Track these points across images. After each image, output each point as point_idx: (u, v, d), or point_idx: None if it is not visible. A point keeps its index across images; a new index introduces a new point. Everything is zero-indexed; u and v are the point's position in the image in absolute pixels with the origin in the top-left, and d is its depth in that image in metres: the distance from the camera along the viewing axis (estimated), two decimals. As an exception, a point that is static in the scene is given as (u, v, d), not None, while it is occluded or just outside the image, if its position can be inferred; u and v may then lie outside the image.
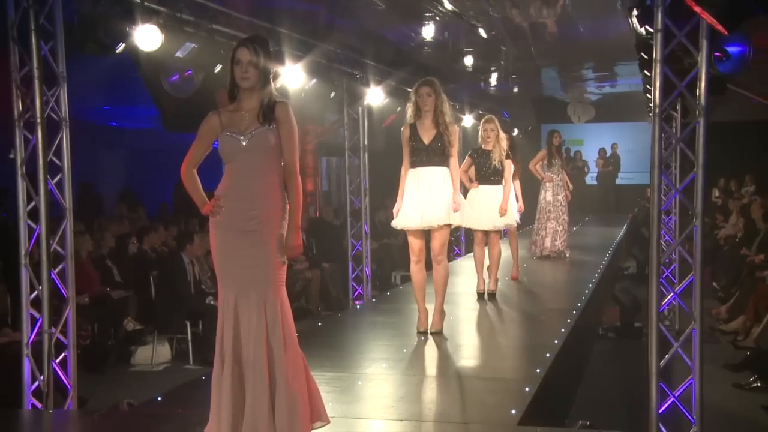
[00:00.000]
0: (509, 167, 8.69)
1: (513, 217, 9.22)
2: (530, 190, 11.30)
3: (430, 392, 5.36)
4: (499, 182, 8.60)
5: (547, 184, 11.63)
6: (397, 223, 6.72)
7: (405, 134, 6.72)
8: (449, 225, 6.65)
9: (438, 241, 6.67)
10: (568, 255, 11.90)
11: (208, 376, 4.25)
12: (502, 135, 8.56)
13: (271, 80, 4.18)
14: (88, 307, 8.50)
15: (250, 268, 4.06)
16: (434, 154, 6.61)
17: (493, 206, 8.50)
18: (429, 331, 6.82)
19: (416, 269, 6.80)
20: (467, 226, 8.43)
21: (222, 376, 4.07)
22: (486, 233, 8.65)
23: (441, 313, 6.88)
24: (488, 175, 8.52)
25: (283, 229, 4.12)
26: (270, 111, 4.10)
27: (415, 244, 6.73)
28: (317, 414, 4.19)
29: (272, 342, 4.04)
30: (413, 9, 9.69)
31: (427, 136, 6.62)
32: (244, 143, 4.09)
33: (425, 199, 6.56)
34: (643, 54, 6.19)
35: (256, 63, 4.07)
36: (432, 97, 6.59)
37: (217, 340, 4.13)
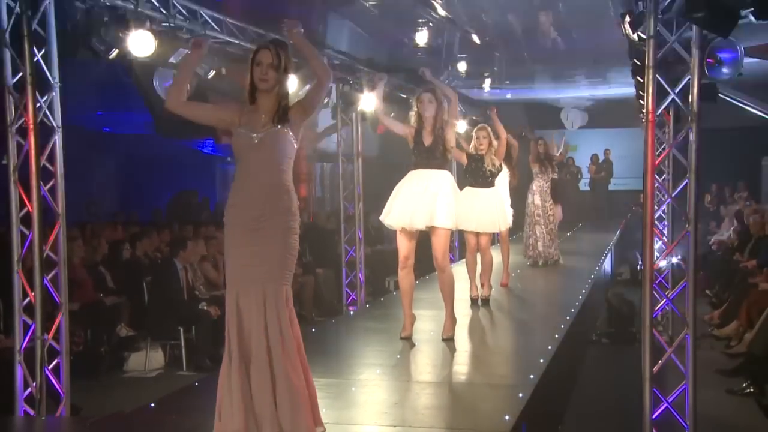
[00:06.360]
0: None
1: (506, 222, 9.24)
2: (519, 195, 11.31)
3: (424, 398, 5.35)
4: (492, 184, 8.67)
5: (535, 188, 11.64)
6: (390, 222, 6.71)
7: (410, 134, 6.77)
8: (448, 229, 6.64)
9: (439, 249, 6.62)
10: (561, 261, 11.90)
11: (202, 382, 4.26)
12: (495, 142, 8.60)
13: (287, 83, 4.24)
14: (80, 313, 8.47)
15: (253, 265, 4.10)
16: (433, 157, 6.64)
17: (483, 209, 8.51)
18: (442, 338, 6.80)
19: (402, 275, 6.79)
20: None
21: (230, 372, 4.11)
22: (477, 239, 8.64)
23: (452, 320, 6.87)
24: (486, 177, 8.57)
25: (291, 229, 4.17)
26: (285, 113, 4.16)
27: (403, 247, 6.68)
28: (317, 418, 4.22)
29: (271, 338, 4.07)
30: (407, 15, 9.71)
31: (428, 139, 6.67)
32: (255, 141, 4.14)
33: (416, 200, 6.54)
34: (635, 60, 6.22)
35: (275, 66, 4.13)
36: (433, 104, 6.64)
37: (225, 336, 4.16)
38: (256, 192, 4.12)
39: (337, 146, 11.47)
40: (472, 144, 8.59)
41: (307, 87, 4.30)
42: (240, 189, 4.18)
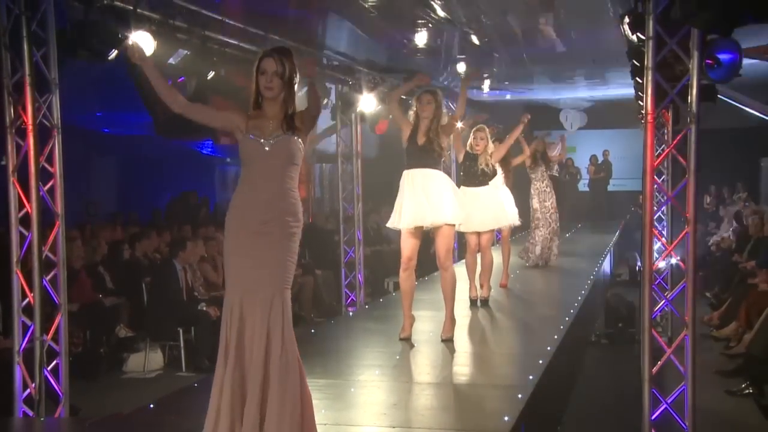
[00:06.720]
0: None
1: (508, 219, 9.26)
2: (523, 197, 11.32)
3: (423, 399, 5.35)
4: (485, 183, 8.68)
5: (533, 191, 11.65)
6: (396, 224, 6.72)
7: (405, 134, 6.78)
8: (452, 226, 6.65)
9: (443, 247, 6.64)
10: (557, 262, 11.88)
11: (201, 383, 4.25)
12: (491, 145, 8.67)
13: (294, 89, 4.25)
14: (80, 313, 8.47)
15: (259, 268, 4.11)
16: (427, 157, 6.66)
17: (483, 206, 8.52)
18: (441, 339, 6.82)
19: (404, 276, 6.80)
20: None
21: (224, 376, 4.11)
22: (478, 239, 8.65)
23: (452, 321, 6.88)
24: (477, 175, 8.58)
25: (295, 234, 4.19)
26: (292, 120, 4.20)
27: (407, 247, 6.69)
28: (308, 425, 4.19)
29: (272, 342, 4.08)
30: (406, 16, 9.71)
31: (422, 139, 6.69)
32: (267, 148, 4.16)
33: (422, 199, 6.56)
34: (634, 61, 6.21)
35: (281, 74, 4.15)
36: (432, 106, 6.67)
37: (221, 341, 4.16)
38: (264, 197, 4.14)
39: (336, 147, 11.47)
40: (469, 142, 8.63)
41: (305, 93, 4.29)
42: (246, 193, 4.19)
